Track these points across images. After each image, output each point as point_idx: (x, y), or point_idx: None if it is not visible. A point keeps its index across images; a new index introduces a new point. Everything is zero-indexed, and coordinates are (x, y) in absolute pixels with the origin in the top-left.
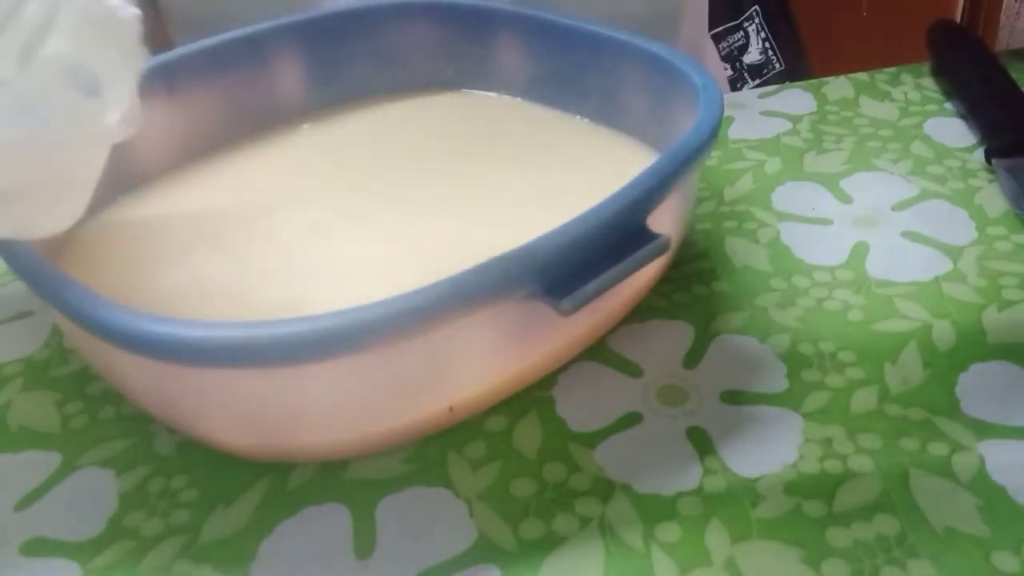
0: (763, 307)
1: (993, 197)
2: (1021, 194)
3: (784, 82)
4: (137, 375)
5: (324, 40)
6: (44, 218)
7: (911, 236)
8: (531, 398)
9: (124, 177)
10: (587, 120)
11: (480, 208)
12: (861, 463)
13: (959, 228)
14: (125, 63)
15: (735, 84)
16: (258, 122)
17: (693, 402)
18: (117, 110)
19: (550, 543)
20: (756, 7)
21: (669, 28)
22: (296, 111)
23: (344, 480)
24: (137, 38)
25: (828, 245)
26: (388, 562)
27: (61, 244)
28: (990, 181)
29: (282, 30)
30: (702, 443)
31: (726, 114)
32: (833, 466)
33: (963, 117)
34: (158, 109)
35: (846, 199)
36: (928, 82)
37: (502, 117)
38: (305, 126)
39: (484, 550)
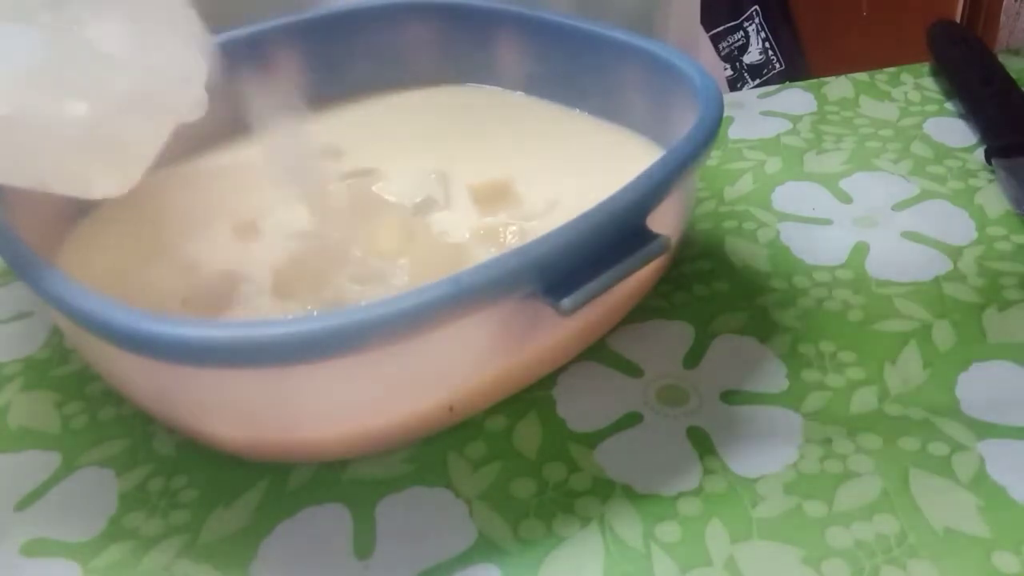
0: (763, 307)
1: (993, 197)
2: (1021, 194)
3: (784, 82)
4: (137, 375)
5: (324, 40)
6: (100, 178)
7: (911, 236)
8: (531, 398)
9: None
10: (588, 114)
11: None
12: (861, 463)
13: (959, 228)
14: (201, 51)
15: (735, 84)
16: (256, 119)
17: (693, 402)
18: (189, 91)
19: (550, 543)
20: (756, 7)
21: (658, 23)
22: (294, 108)
23: (344, 480)
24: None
25: (828, 245)
26: (388, 562)
27: (58, 240)
28: (990, 181)
29: (283, 30)
30: (702, 443)
31: (726, 114)
32: (833, 466)
33: (963, 117)
34: None
35: (846, 199)
36: (928, 82)
37: (504, 109)
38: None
39: (484, 550)
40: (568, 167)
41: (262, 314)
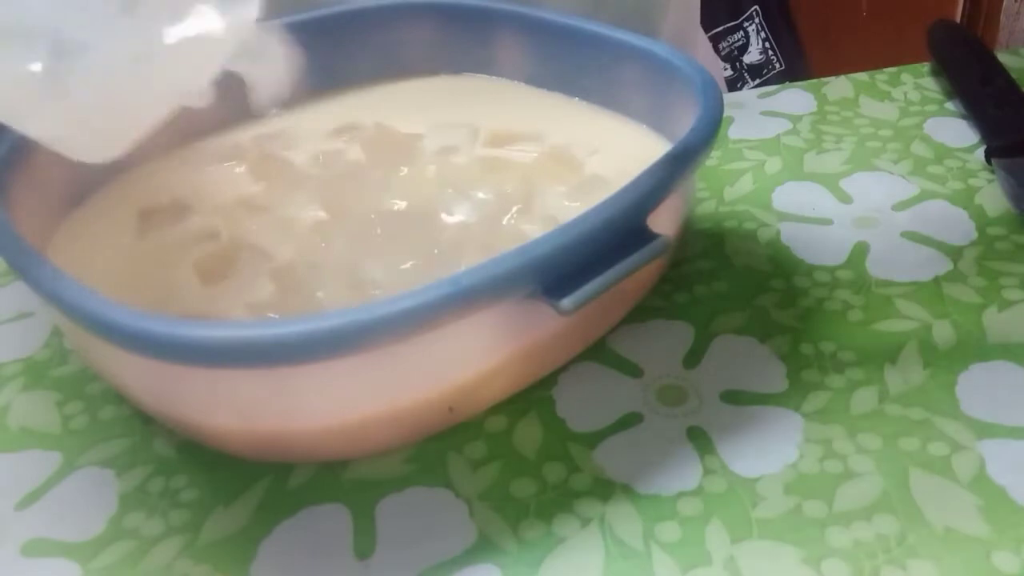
0: (763, 307)
1: (993, 197)
2: (1021, 194)
3: (784, 82)
4: (137, 374)
5: (324, 39)
6: (82, 140)
7: (911, 236)
8: (531, 398)
9: (118, 160)
10: (588, 103)
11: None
12: (861, 463)
13: (959, 228)
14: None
15: (735, 84)
16: (254, 112)
17: (693, 402)
18: (199, 76)
19: (550, 543)
20: (756, 7)
21: (655, 19)
22: (291, 101)
23: (344, 480)
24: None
25: (828, 245)
26: (388, 562)
27: (53, 227)
28: (990, 181)
29: (282, 29)
30: (702, 443)
31: (726, 114)
32: (833, 466)
33: (963, 117)
34: None
35: (846, 199)
36: (928, 82)
37: (505, 96)
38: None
39: (484, 550)
40: (570, 151)
41: (267, 285)
